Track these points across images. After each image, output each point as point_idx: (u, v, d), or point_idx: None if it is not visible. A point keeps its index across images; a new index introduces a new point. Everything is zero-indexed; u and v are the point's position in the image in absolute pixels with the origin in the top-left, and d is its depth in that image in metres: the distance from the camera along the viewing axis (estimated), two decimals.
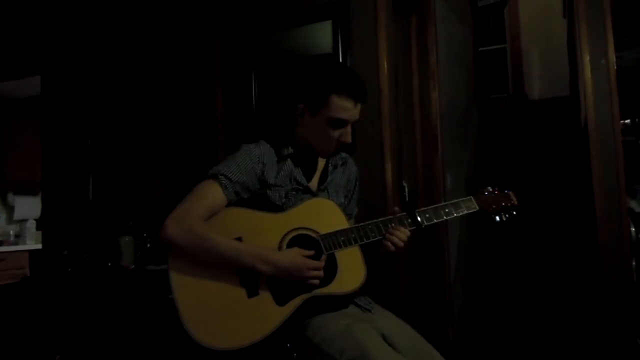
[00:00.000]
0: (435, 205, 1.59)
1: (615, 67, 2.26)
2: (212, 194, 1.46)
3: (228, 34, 2.82)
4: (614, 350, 2.22)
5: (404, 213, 1.55)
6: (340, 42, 2.50)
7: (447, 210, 1.58)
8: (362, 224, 1.52)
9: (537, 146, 4.03)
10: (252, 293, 1.41)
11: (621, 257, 2.23)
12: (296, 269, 1.40)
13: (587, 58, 2.31)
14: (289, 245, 1.45)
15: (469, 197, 1.63)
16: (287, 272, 1.40)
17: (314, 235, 1.48)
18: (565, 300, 3.12)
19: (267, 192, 1.52)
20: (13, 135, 4.84)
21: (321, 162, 1.65)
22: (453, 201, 1.61)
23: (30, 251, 4.45)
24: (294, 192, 1.54)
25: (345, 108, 1.48)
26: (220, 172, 1.47)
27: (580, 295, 2.99)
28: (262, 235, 1.45)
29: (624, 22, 2.56)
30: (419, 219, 1.54)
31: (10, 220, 5.08)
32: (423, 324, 1.80)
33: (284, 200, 1.52)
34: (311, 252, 1.45)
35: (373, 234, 1.51)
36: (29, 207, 5.02)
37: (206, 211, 1.44)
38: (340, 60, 2.50)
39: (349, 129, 1.52)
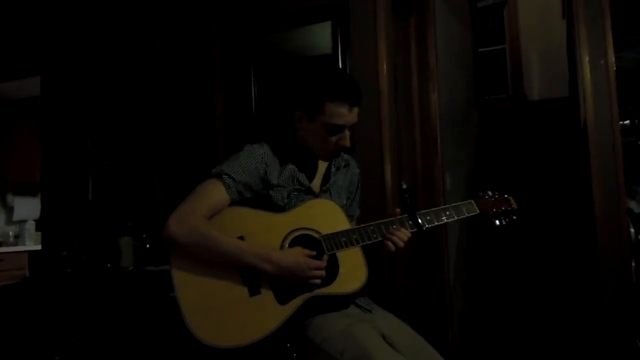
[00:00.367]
0: (436, 208, 1.61)
1: (615, 68, 2.27)
2: (215, 193, 1.46)
3: (227, 34, 2.82)
4: (613, 351, 2.22)
5: (405, 215, 1.57)
6: (339, 42, 2.51)
7: (448, 213, 1.61)
8: (363, 225, 1.53)
9: (537, 147, 4.04)
10: (253, 292, 1.41)
11: (620, 257, 2.23)
12: (298, 269, 1.41)
13: (586, 59, 2.31)
14: (291, 245, 1.46)
15: (469, 201, 1.66)
16: (289, 272, 1.41)
17: (315, 235, 1.49)
18: (565, 301, 3.13)
19: (270, 192, 1.52)
20: (12, 136, 4.84)
21: (323, 164, 1.65)
22: (454, 204, 1.63)
23: (29, 252, 4.43)
24: (296, 193, 1.55)
25: (341, 114, 1.49)
26: (224, 172, 1.48)
27: (580, 296, 2.99)
28: (264, 234, 1.46)
29: (623, 23, 2.56)
30: (420, 221, 1.56)
31: (9, 221, 5.08)
32: (423, 325, 1.81)
33: (286, 200, 1.53)
34: (313, 252, 1.45)
35: (375, 235, 1.51)
36: (28, 207, 5.01)
37: (209, 210, 1.44)
38: (340, 60, 2.50)
39: (346, 133, 1.53)
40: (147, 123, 3.02)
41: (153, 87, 3.02)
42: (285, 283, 1.42)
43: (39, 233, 4.20)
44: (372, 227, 1.52)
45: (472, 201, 1.65)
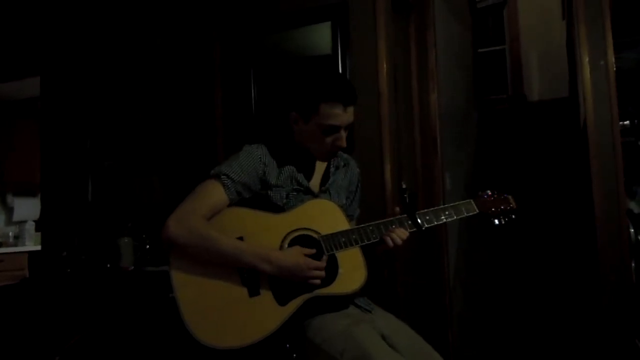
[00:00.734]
0: (435, 208, 1.61)
1: (615, 68, 2.27)
2: (214, 193, 1.46)
3: (227, 34, 2.82)
4: (613, 351, 2.22)
5: (405, 215, 1.57)
6: (339, 43, 2.50)
7: (447, 212, 1.61)
8: (363, 225, 1.53)
9: (537, 147, 4.04)
10: (253, 292, 1.41)
11: (620, 258, 2.23)
12: (298, 269, 1.41)
13: (586, 59, 2.31)
14: (290, 246, 1.46)
15: (468, 200, 1.66)
16: (288, 272, 1.41)
17: (315, 235, 1.49)
18: (565, 301, 3.13)
19: (269, 192, 1.53)
20: (12, 136, 4.84)
21: (322, 164, 1.65)
22: (453, 204, 1.63)
23: (29, 252, 4.43)
24: (295, 193, 1.55)
25: (335, 114, 1.49)
26: (223, 172, 1.48)
27: (580, 296, 2.99)
28: (263, 235, 1.46)
29: (623, 23, 2.56)
30: (419, 221, 1.56)
31: (9, 221, 5.07)
32: (423, 326, 1.81)
33: (285, 200, 1.53)
34: (312, 252, 1.45)
35: (374, 235, 1.52)
36: (28, 208, 5.01)
37: (208, 211, 1.44)
38: (340, 61, 2.50)
39: (342, 133, 1.53)
40: (147, 123, 3.02)
41: (153, 88, 3.02)
42: (284, 283, 1.42)
43: (39, 233, 4.19)
44: (371, 228, 1.52)
45: (471, 201, 1.66)
